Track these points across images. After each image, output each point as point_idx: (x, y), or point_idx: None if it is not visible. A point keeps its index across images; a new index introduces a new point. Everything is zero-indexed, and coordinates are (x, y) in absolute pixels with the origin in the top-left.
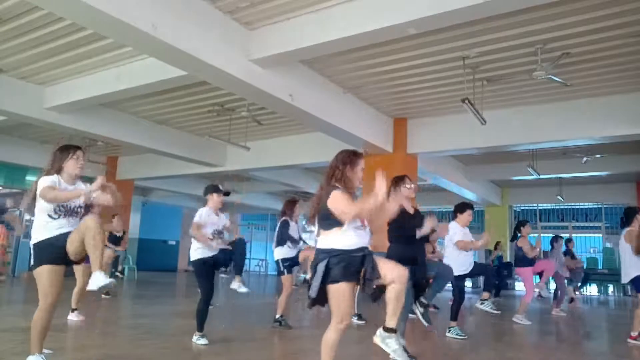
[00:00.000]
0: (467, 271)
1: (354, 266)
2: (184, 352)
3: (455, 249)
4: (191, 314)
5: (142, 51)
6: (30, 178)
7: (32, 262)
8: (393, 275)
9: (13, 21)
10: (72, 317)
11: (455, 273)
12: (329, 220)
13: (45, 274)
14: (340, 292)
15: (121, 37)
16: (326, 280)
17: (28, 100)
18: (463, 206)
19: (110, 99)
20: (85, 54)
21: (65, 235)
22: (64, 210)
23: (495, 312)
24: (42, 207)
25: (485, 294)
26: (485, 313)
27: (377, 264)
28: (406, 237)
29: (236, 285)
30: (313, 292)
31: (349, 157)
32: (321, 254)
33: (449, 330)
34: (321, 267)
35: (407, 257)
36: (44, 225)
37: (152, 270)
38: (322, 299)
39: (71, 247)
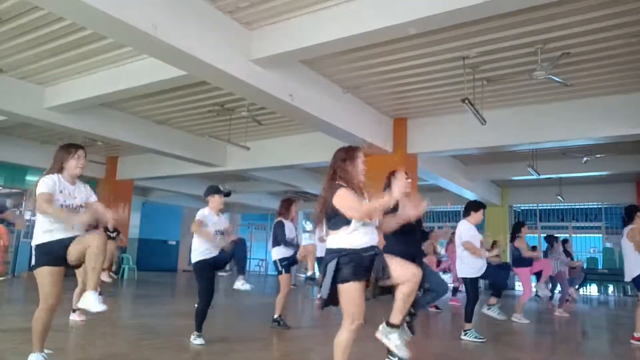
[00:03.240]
0: (480, 273)
1: (363, 265)
2: (184, 352)
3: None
4: (191, 314)
5: (142, 51)
6: (30, 178)
7: (33, 262)
8: (407, 274)
9: (13, 21)
10: (74, 317)
11: (468, 275)
12: (335, 219)
13: (45, 275)
14: (351, 292)
15: (121, 37)
16: (336, 280)
17: (28, 100)
18: (478, 205)
19: (110, 99)
20: (85, 54)
21: (68, 240)
22: (66, 210)
23: (502, 318)
24: None
25: (493, 300)
26: (484, 315)
27: (388, 264)
28: (403, 234)
29: (239, 283)
30: (324, 292)
31: (347, 153)
32: (330, 253)
33: (465, 333)
34: (331, 266)
35: (404, 255)
36: (47, 227)
37: (152, 270)
38: (334, 299)
39: (72, 256)
